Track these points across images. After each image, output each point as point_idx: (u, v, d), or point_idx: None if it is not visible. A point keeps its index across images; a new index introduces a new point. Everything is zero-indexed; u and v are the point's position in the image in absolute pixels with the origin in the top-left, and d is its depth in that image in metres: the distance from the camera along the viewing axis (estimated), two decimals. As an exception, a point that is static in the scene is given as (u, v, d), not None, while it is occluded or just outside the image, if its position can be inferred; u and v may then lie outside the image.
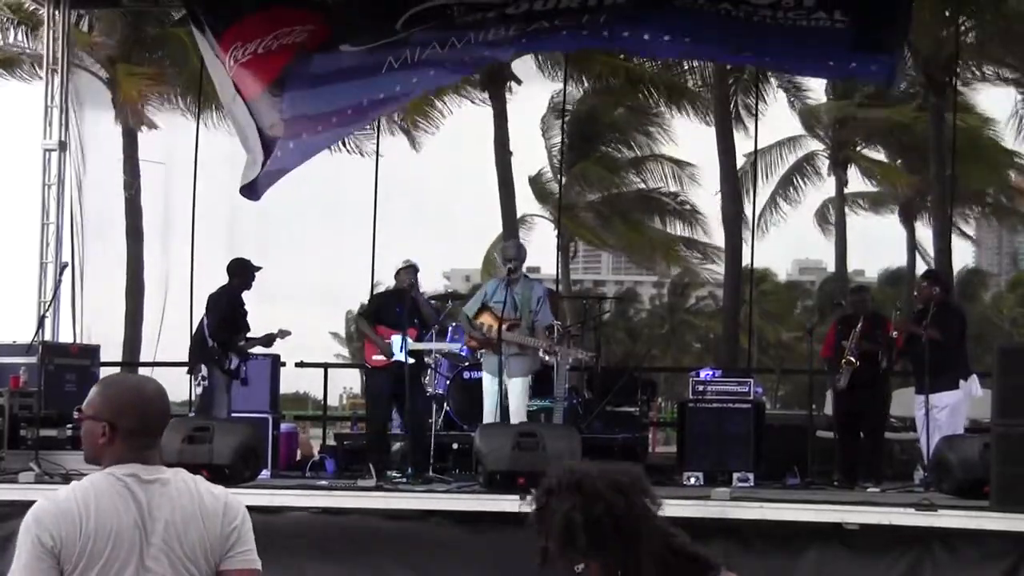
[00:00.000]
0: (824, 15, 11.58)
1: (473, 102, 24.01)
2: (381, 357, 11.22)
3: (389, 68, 12.54)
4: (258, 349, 11.80)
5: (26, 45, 21.33)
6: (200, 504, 3.46)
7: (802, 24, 11.68)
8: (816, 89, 26.43)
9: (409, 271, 11.45)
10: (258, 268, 11.72)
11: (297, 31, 12.58)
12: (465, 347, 11.97)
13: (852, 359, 11.07)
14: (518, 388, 10.96)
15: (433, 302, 11.74)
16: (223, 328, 11.33)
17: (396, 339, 11.10)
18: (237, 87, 12.45)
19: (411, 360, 11.04)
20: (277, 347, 12.15)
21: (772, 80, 23.86)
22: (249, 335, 11.54)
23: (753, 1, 11.71)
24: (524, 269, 11.60)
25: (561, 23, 12.29)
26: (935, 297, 11.08)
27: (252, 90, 12.56)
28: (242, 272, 11.63)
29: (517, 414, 10.89)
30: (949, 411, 10.64)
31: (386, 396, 11.27)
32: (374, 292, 14.09)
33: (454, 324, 12.54)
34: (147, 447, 3.49)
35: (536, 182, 29.93)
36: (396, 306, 11.29)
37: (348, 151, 23.71)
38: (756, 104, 19.18)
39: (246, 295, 11.61)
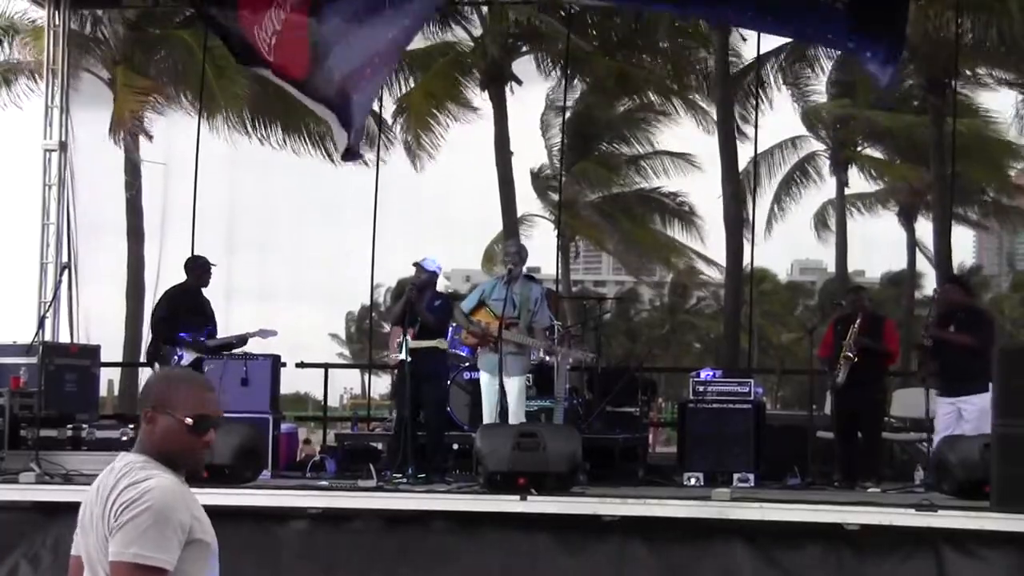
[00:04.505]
0: None
1: (473, 103, 24.03)
2: (395, 356, 11.27)
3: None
4: (258, 349, 11.80)
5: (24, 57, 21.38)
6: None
7: None
8: (818, 88, 26.46)
9: (416, 271, 11.38)
10: (212, 264, 11.88)
11: None
12: (464, 345, 11.92)
13: (850, 354, 11.07)
14: (516, 388, 10.93)
15: (437, 302, 11.48)
16: (162, 325, 11.45)
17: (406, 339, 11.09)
18: (286, 72, 12.68)
19: (408, 359, 10.98)
20: (277, 347, 12.15)
21: (774, 79, 23.86)
22: (224, 335, 11.58)
23: None
24: (525, 269, 11.57)
25: None
26: (964, 301, 11.10)
27: (296, 73, 12.75)
28: (193, 270, 11.72)
29: (516, 415, 10.87)
30: (979, 413, 10.37)
31: (403, 395, 11.19)
32: (373, 294, 14.05)
33: (453, 324, 12.50)
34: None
35: (537, 179, 29.94)
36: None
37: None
38: (757, 105, 19.19)
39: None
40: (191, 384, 3.55)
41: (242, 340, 11.69)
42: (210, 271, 11.89)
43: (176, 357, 11.24)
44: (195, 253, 13.07)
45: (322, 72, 12.67)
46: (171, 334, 11.42)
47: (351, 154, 13.01)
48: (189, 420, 3.46)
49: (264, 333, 11.73)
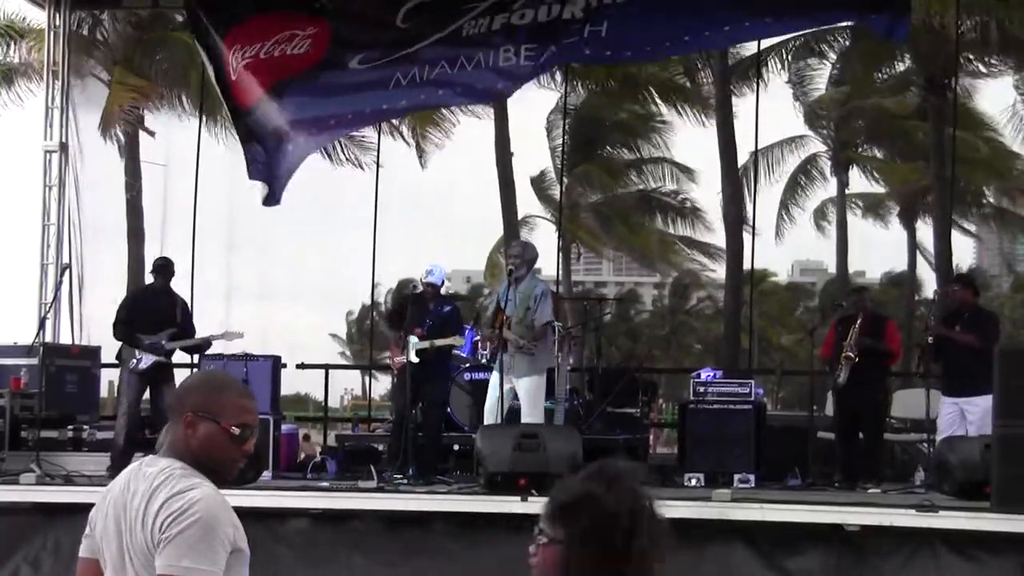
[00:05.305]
0: None
1: (474, 105, 23.99)
2: (400, 358, 11.25)
3: (397, 84, 12.67)
4: (258, 350, 11.79)
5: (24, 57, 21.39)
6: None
7: None
8: (820, 86, 26.44)
9: (425, 286, 11.38)
10: (170, 263, 11.75)
11: (299, 39, 12.69)
12: (472, 347, 12.07)
13: (851, 354, 11.06)
14: (522, 388, 10.93)
15: (447, 308, 11.44)
16: (121, 327, 11.30)
17: (411, 339, 11.09)
18: (236, 97, 12.79)
19: (416, 359, 10.99)
20: (277, 348, 12.15)
21: (776, 76, 23.85)
22: (198, 337, 11.53)
23: None
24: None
25: (566, 39, 12.28)
26: (971, 301, 11.11)
27: (250, 96, 12.92)
28: (157, 271, 11.62)
29: (526, 415, 10.86)
30: (982, 414, 10.30)
31: (403, 395, 11.19)
32: (373, 294, 14.06)
33: (470, 327, 12.61)
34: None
35: (538, 183, 29.95)
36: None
37: (349, 159, 23.72)
38: (757, 104, 19.09)
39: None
40: (236, 392, 3.44)
41: (206, 343, 11.54)
42: (165, 271, 11.62)
43: (135, 360, 11.11)
44: (194, 253, 13.09)
45: (267, 105, 12.87)
46: (130, 335, 11.29)
47: (272, 198, 13.17)
48: (235, 429, 3.36)
49: (229, 335, 11.58)
